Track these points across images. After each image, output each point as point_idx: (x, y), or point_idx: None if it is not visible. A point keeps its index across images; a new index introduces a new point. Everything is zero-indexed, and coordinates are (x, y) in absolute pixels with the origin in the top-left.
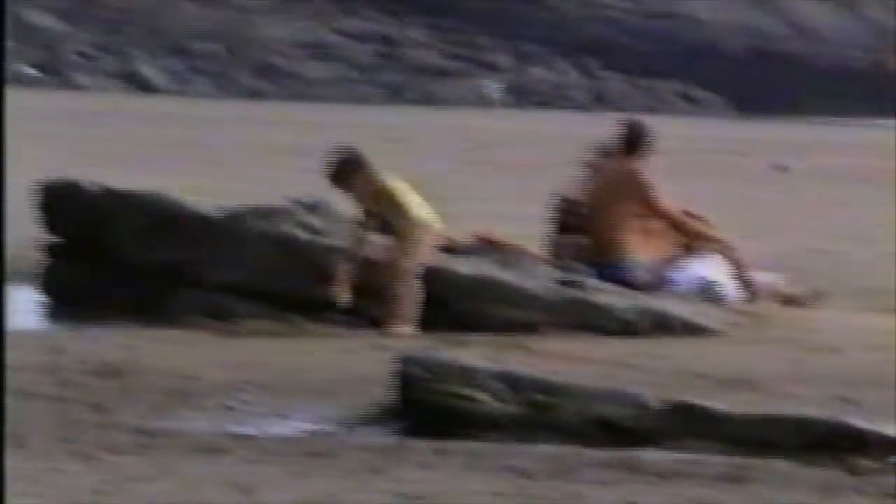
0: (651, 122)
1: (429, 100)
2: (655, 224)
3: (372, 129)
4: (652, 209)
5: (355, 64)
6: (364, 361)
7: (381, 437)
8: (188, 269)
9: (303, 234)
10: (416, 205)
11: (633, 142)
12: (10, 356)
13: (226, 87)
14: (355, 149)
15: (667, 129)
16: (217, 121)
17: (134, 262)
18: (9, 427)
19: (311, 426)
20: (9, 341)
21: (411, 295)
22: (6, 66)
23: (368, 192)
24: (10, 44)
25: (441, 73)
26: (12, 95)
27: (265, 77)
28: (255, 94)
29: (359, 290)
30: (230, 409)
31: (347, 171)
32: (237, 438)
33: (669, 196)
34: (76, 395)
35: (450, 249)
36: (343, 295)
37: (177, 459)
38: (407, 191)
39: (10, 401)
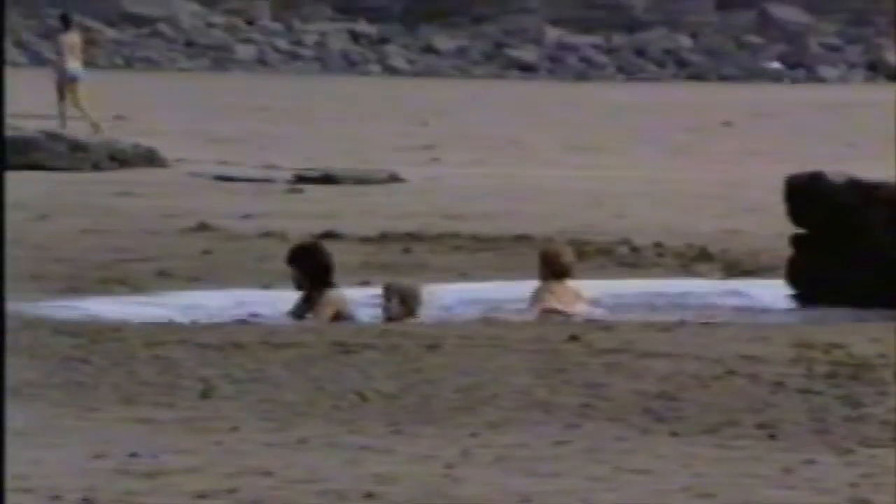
0: None
1: None
2: None
3: None
4: None
5: None
6: None
7: None
8: None
9: None
10: None
11: None
12: (759, 348)
13: None
14: None
15: None
16: None
17: (880, 254)
18: (761, 418)
19: None
20: (758, 334)
21: None
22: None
23: None
24: (756, 39)
25: None
26: (763, 90)
27: None
28: None
29: None
30: None
31: None
32: None
33: None
34: (825, 387)
35: None
36: None
37: None
38: None
39: (760, 391)
